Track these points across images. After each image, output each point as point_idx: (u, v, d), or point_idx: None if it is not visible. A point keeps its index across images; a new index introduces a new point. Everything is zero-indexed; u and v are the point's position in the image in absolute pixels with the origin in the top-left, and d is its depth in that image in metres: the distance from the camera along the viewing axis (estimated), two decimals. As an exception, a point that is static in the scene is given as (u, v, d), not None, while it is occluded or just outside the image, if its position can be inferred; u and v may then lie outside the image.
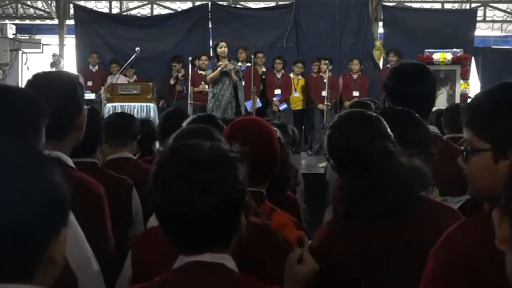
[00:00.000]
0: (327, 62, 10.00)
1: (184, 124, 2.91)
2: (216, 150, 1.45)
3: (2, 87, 1.67)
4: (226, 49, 8.67)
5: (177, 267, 1.42)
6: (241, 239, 1.47)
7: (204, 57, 10.11)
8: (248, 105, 9.40)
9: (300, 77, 10.61)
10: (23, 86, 2.02)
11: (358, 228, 1.68)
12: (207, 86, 9.54)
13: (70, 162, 2.00)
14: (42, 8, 12.88)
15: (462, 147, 1.44)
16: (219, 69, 8.50)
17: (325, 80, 10.06)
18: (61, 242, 1.05)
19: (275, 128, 2.67)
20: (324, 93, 9.92)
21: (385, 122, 1.85)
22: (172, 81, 10.71)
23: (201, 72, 9.87)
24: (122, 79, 10.26)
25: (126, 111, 7.72)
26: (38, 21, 13.50)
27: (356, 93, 10.09)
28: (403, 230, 1.67)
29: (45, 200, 1.02)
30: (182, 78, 10.57)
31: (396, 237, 1.66)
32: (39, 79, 1.98)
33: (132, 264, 1.82)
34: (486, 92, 1.42)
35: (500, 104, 1.36)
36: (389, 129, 1.84)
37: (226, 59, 8.55)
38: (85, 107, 2.09)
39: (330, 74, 9.66)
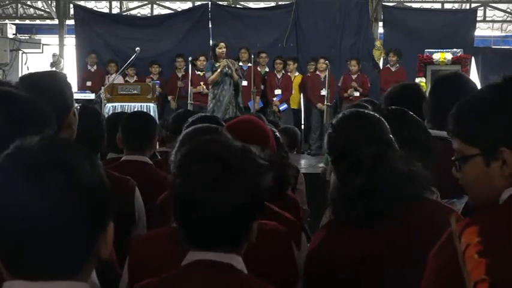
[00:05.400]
0: (326, 61, 10.00)
1: (186, 124, 2.91)
2: (248, 155, 1.47)
3: (11, 95, 1.61)
4: (225, 49, 8.68)
5: (184, 265, 1.44)
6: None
7: (202, 58, 10.04)
8: (250, 105, 9.42)
9: (297, 73, 10.64)
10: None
11: (352, 230, 1.68)
12: (204, 87, 9.53)
13: None
14: (42, 8, 12.88)
15: (453, 158, 1.43)
16: (219, 70, 8.48)
17: (322, 79, 10.06)
18: (108, 237, 1.05)
19: (273, 128, 2.67)
20: (323, 93, 9.92)
21: (386, 125, 1.84)
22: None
23: (199, 72, 9.85)
24: (119, 79, 10.25)
25: (126, 111, 7.68)
26: (38, 21, 13.50)
27: (356, 94, 10.06)
28: (398, 232, 1.67)
29: (100, 196, 1.03)
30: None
31: (391, 239, 1.66)
32: (24, 81, 1.95)
33: (128, 270, 1.81)
34: (465, 99, 1.43)
35: (480, 107, 1.36)
36: (389, 133, 1.82)
37: (224, 60, 8.55)
38: (75, 105, 2.07)
39: (328, 72, 9.63)
